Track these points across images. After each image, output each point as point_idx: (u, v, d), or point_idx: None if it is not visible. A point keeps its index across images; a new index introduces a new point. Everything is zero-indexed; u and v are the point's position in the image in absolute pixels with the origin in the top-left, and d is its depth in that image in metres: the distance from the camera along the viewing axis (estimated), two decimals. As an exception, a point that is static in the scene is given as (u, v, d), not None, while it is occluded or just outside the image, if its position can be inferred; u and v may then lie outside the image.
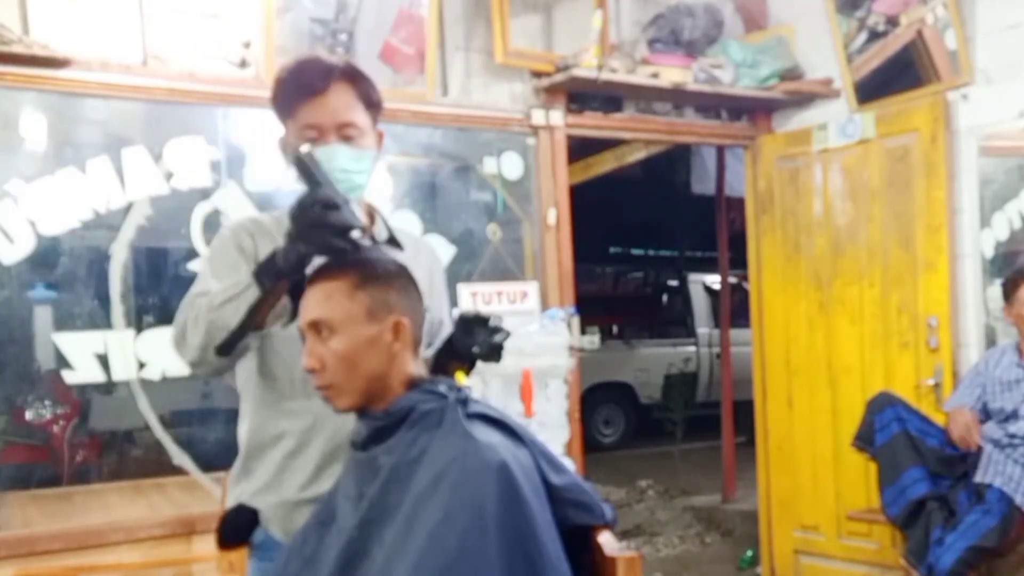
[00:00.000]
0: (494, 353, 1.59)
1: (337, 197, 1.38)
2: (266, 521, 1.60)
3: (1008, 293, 3.14)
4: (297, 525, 1.52)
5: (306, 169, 1.42)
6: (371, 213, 1.73)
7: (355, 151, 1.60)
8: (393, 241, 1.70)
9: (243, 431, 1.68)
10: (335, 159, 1.58)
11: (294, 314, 1.49)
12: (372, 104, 1.64)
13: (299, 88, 1.59)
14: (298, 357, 1.47)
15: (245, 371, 1.67)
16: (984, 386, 3.17)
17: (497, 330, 1.57)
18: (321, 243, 1.37)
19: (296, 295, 1.47)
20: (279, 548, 1.56)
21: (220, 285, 1.49)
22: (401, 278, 1.43)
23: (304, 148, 1.47)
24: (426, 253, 1.81)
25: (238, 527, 1.62)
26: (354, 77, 1.62)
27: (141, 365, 2.86)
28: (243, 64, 3.04)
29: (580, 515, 1.36)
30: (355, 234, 1.38)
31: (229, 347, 1.49)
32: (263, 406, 1.63)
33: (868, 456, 3.22)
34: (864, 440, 3.18)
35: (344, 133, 1.60)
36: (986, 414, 3.12)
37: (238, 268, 1.55)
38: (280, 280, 1.43)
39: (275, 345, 1.59)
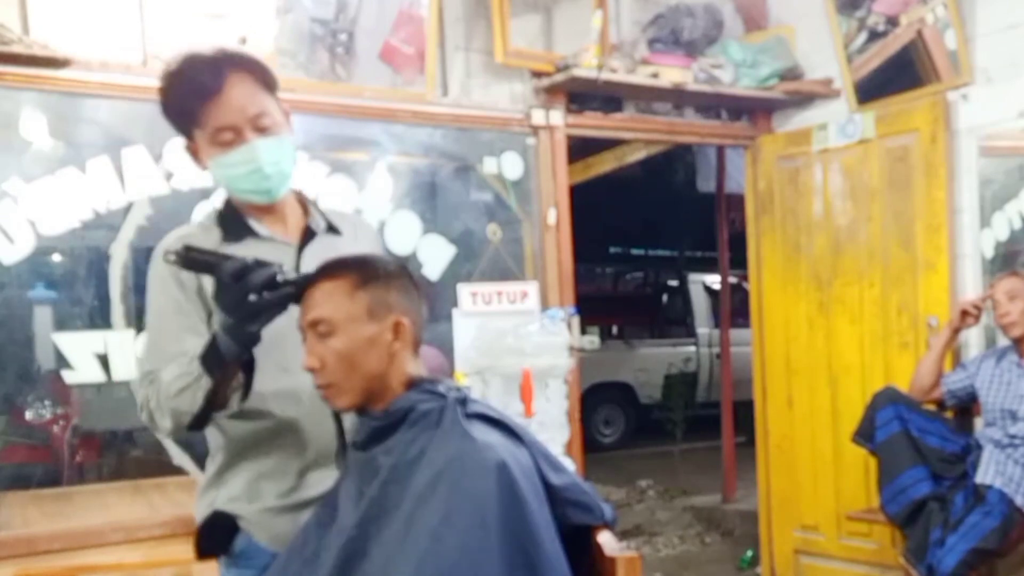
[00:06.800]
0: None
1: (235, 262, 1.34)
2: (249, 527, 1.55)
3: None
4: (282, 530, 1.49)
5: (195, 262, 1.38)
6: (304, 204, 1.66)
7: (276, 140, 1.53)
8: (332, 228, 1.65)
9: (214, 441, 1.61)
10: (260, 155, 1.51)
11: (247, 389, 1.46)
12: (273, 87, 1.56)
13: (193, 92, 1.49)
14: (268, 372, 1.46)
15: None
16: (974, 376, 3.20)
17: None
18: (259, 312, 1.34)
19: (248, 370, 1.45)
20: (264, 555, 1.52)
21: (172, 371, 1.43)
22: (401, 278, 1.43)
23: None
24: (365, 234, 1.74)
25: (216, 536, 1.55)
26: (246, 64, 1.52)
27: (141, 365, 2.85)
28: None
29: (580, 515, 1.36)
30: (282, 275, 1.35)
31: (199, 425, 1.46)
32: (237, 415, 1.53)
33: (867, 452, 3.22)
34: (864, 436, 3.18)
35: (259, 124, 1.51)
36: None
37: (184, 312, 1.49)
38: (227, 366, 1.39)
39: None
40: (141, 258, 2.90)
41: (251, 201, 1.56)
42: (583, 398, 3.93)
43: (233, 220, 1.57)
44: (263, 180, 1.52)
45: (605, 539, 1.36)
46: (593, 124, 3.81)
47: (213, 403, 1.43)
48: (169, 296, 1.50)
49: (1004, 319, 3.09)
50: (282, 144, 1.54)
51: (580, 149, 5.11)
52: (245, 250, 1.45)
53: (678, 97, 3.93)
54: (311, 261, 1.52)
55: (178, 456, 2.90)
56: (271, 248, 1.54)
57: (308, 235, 1.61)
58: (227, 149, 1.50)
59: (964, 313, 3.23)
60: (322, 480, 1.52)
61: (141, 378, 1.51)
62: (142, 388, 1.50)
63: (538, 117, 3.61)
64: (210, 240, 1.52)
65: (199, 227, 1.60)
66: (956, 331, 3.29)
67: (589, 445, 4.53)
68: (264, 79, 1.54)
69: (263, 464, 1.55)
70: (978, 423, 3.30)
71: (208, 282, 1.45)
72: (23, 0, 2.73)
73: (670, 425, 6.89)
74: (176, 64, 1.51)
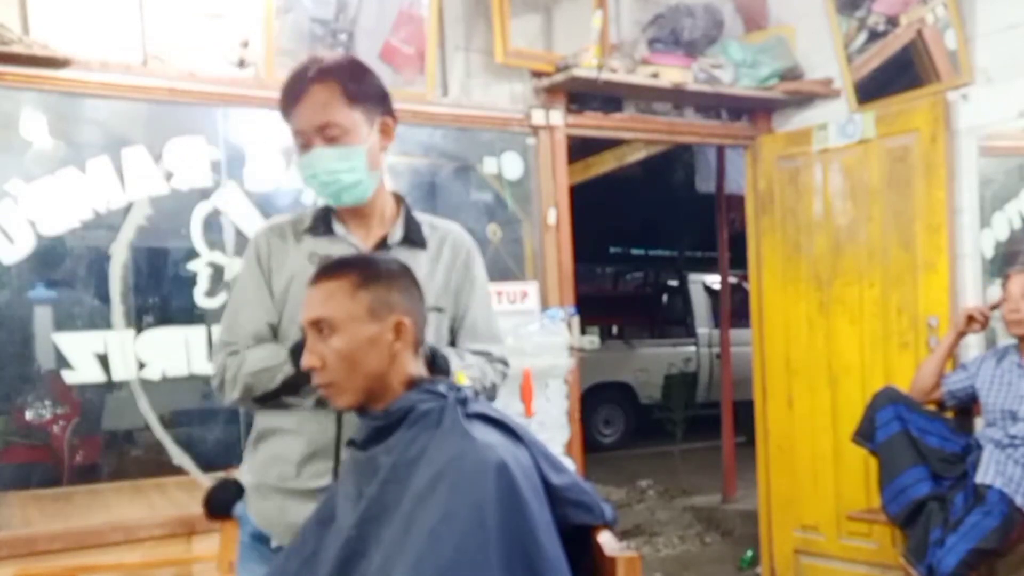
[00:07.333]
0: None
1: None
2: (247, 496, 1.68)
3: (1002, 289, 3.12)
4: (267, 508, 1.61)
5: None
6: (398, 203, 1.73)
7: (338, 151, 1.58)
8: (413, 242, 1.69)
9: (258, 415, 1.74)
10: (316, 163, 1.58)
11: None
12: (360, 98, 1.60)
13: (284, 95, 1.61)
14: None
15: None
16: (974, 377, 3.18)
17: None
18: None
19: None
20: (250, 524, 1.66)
21: (259, 351, 1.58)
22: (403, 278, 1.44)
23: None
24: (451, 248, 1.75)
25: (217, 499, 1.74)
26: (334, 75, 1.58)
27: (141, 365, 2.85)
28: (241, 64, 3.04)
29: (580, 515, 1.36)
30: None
31: (265, 401, 1.60)
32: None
33: (868, 452, 3.22)
34: (864, 436, 3.17)
35: (326, 135, 1.58)
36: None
37: (262, 291, 1.63)
38: None
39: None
40: (141, 258, 2.90)
41: (327, 202, 1.67)
42: (583, 398, 3.92)
43: (323, 216, 1.68)
44: (322, 187, 1.62)
45: (605, 539, 1.36)
46: (593, 124, 3.81)
47: (289, 387, 1.56)
48: (254, 276, 1.64)
49: (1012, 315, 3.03)
50: (347, 155, 1.59)
51: (580, 149, 5.10)
52: (319, 245, 1.62)
53: (678, 97, 3.93)
54: None
55: (178, 456, 2.90)
56: (342, 249, 1.62)
57: (382, 244, 1.67)
58: (301, 153, 1.62)
59: (970, 318, 3.19)
60: (319, 474, 1.58)
61: (218, 347, 1.64)
62: (218, 356, 1.63)
63: (538, 117, 3.61)
64: (297, 229, 1.66)
65: (294, 215, 1.72)
66: (961, 335, 3.24)
67: (589, 445, 4.53)
68: (351, 91, 1.59)
69: (274, 448, 1.64)
70: (978, 423, 3.30)
71: (276, 268, 1.63)
72: (23, 0, 2.73)
73: (670, 425, 6.88)
74: (294, 67, 1.64)
